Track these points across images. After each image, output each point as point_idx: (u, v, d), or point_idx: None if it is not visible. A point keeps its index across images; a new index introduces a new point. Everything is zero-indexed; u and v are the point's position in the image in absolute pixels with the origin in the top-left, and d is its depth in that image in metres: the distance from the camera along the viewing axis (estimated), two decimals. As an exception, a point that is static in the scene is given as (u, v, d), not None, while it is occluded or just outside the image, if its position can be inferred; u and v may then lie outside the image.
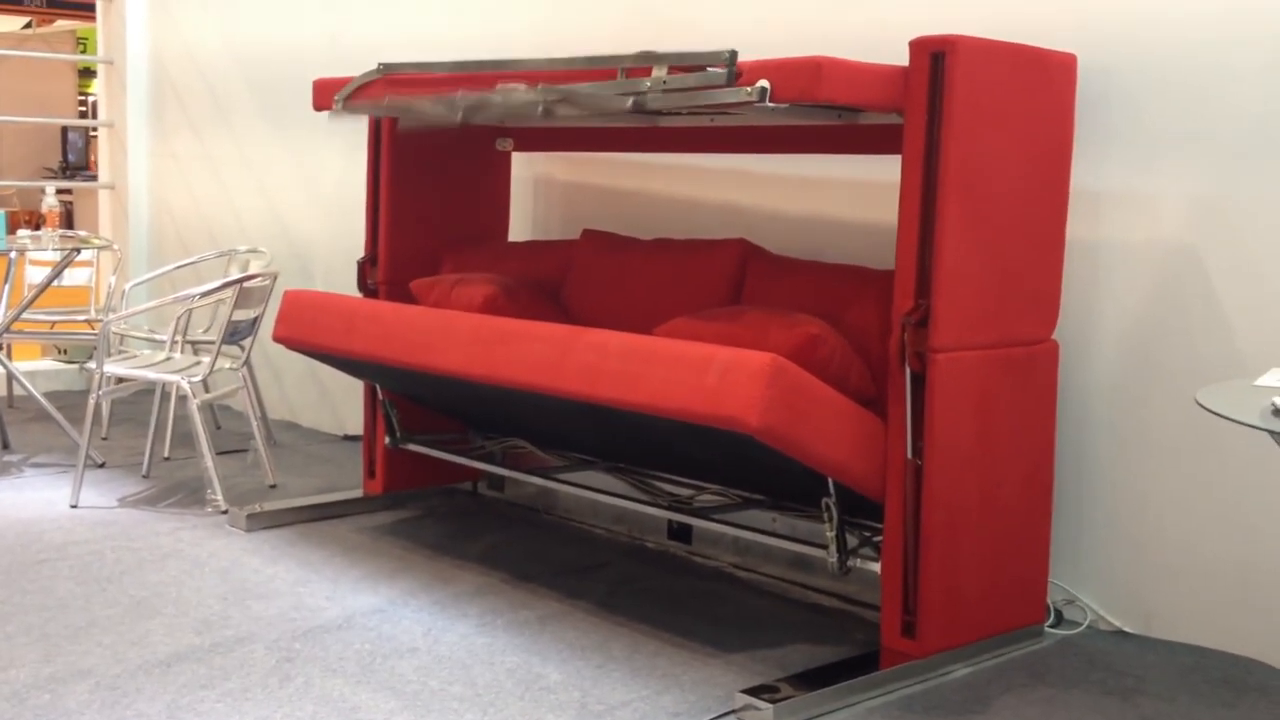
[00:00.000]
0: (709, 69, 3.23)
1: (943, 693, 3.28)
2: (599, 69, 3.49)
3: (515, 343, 3.61)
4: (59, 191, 6.32)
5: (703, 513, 3.89)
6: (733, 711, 3.13)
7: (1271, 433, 2.43)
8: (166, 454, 5.50)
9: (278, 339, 4.37)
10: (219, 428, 6.07)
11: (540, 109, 3.53)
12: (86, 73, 14.71)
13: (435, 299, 4.27)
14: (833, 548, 3.43)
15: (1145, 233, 3.61)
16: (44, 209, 6.06)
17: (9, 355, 5.81)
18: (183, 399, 4.77)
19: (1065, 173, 3.53)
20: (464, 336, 3.75)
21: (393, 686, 3.21)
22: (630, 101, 3.37)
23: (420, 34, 5.48)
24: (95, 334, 5.80)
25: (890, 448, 3.34)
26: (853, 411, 3.29)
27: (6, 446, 5.64)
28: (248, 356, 5.05)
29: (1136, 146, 3.61)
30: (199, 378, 4.73)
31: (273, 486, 5.09)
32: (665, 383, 3.21)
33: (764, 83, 3.13)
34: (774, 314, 3.47)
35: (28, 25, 14.74)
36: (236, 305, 4.71)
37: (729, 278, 4.04)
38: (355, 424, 5.79)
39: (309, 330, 4.26)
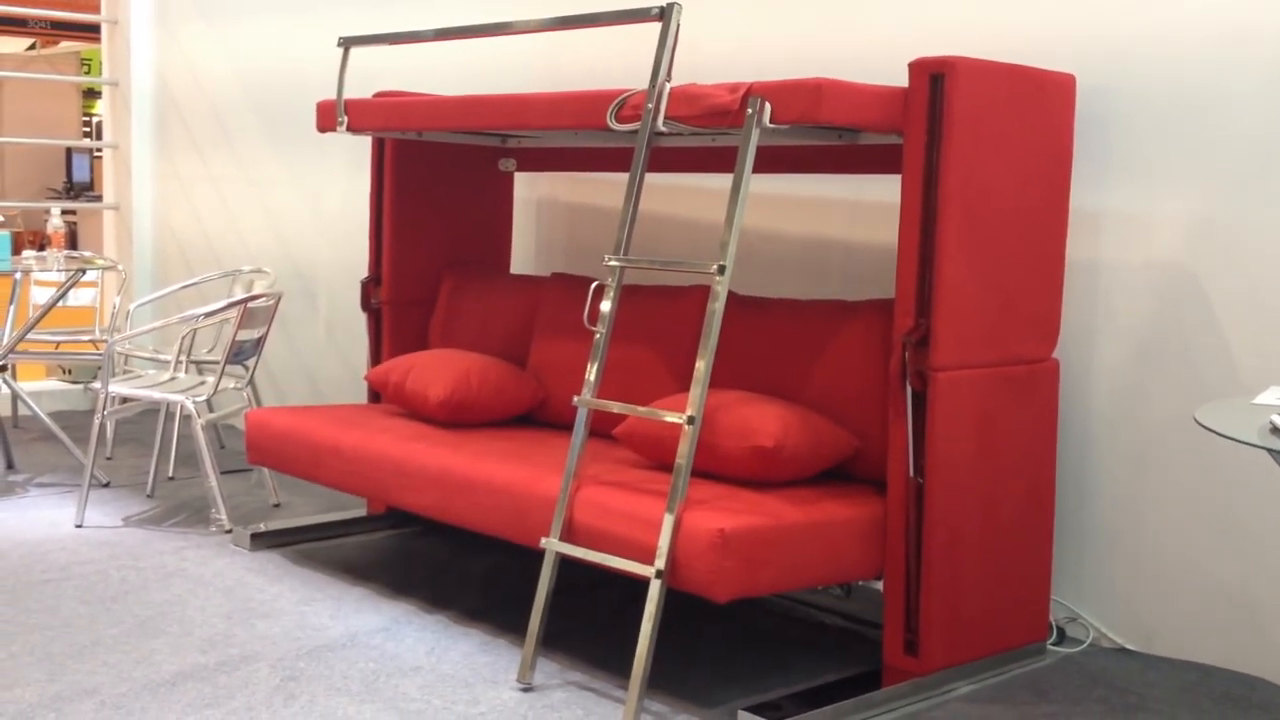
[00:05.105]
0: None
1: (945, 711, 3.29)
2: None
3: (474, 495, 3.67)
4: (63, 212, 6.35)
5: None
6: (735, 730, 3.15)
7: (1270, 450, 2.44)
8: (171, 474, 5.52)
9: (252, 464, 4.49)
10: (223, 447, 6.08)
11: None
12: (90, 93, 14.75)
13: (391, 393, 4.38)
14: None
15: (1144, 253, 3.63)
16: (49, 230, 6.08)
17: (14, 375, 5.83)
18: (187, 419, 4.78)
19: (1064, 193, 3.55)
20: (425, 483, 3.84)
21: (396, 705, 3.22)
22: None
23: (420, 58, 5.51)
24: (100, 354, 5.82)
25: (892, 466, 3.35)
26: (817, 531, 3.28)
27: (11, 467, 5.65)
28: (251, 376, 5.07)
29: (1135, 167, 3.63)
30: (203, 397, 4.75)
31: (276, 506, 5.10)
32: (626, 547, 3.24)
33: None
34: (730, 416, 3.44)
35: (31, 47, 14.80)
36: (241, 325, 4.73)
37: (700, 324, 4.00)
38: (358, 443, 5.80)
39: (277, 458, 4.37)
